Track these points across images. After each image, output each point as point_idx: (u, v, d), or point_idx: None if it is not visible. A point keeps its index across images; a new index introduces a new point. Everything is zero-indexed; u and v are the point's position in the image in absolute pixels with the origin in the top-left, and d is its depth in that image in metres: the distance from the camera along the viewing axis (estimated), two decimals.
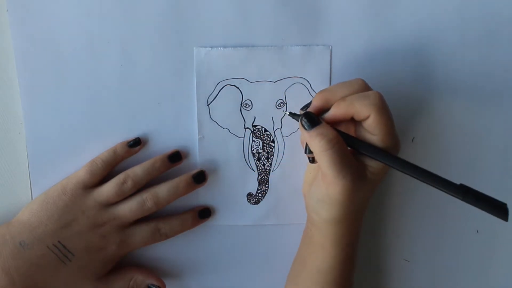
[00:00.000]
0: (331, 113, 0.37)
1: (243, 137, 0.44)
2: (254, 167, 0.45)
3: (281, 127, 0.44)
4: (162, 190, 0.43)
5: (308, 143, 0.37)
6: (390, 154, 0.36)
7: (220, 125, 0.44)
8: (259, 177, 0.45)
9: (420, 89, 0.44)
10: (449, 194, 0.34)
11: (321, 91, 0.38)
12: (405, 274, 0.48)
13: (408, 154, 0.45)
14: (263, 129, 0.44)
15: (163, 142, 0.44)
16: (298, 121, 0.37)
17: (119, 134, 0.44)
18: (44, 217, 0.41)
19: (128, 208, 0.42)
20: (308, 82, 0.43)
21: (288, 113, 0.39)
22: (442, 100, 0.44)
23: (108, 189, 0.42)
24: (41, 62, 0.42)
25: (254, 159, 0.45)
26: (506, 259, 0.48)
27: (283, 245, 0.46)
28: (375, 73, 0.44)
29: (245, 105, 0.44)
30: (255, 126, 0.44)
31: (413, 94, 0.44)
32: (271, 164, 0.45)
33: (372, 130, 0.36)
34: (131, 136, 0.44)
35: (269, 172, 0.45)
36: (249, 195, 0.46)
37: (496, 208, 0.33)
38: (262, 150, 0.45)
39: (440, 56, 0.44)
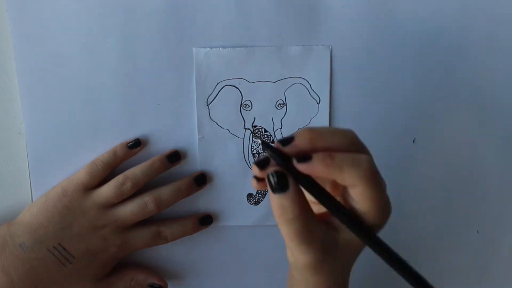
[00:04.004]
0: (312, 170, 0.29)
1: (243, 138, 0.44)
2: None
3: (281, 128, 0.44)
4: (164, 192, 0.43)
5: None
6: (368, 234, 0.30)
7: (220, 126, 0.44)
8: None
9: (420, 90, 0.44)
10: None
11: (308, 130, 0.30)
12: None
13: (409, 155, 0.45)
14: (263, 129, 0.44)
15: (163, 142, 0.44)
16: (269, 154, 0.30)
17: (119, 135, 0.44)
18: (45, 219, 0.41)
19: (129, 210, 0.42)
20: (308, 82, 0.43)
21: (260, 140, 0.34)
22: (443, 101, 0.44)
23: (107, 191, 0.42)
24: (41, 62, 0.42)
25: (254, 160, 0.45)
26: (506, 260, 0.48)
27: (283, 246, 0.46)
28: (375, 73, 0.44)
29: (245, 105, 0.44)
30: (255, 126, 0.44)
31: (413, 94, 0.44)
32: None
33: (358, 200, 0.30)
34: (131, 136, 0.44)
35: None
36: (249, 195, 0.46)
37: None
38: (262, 151, 0.45)
39: (441, 56, 0.44)
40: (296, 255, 0.31)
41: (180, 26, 0.42)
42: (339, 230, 0.31)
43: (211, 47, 0.42)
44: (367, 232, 0.30)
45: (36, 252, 0.40)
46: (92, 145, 0.44)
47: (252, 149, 0.45)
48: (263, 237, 0.47)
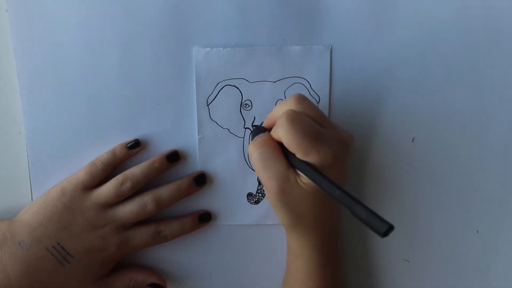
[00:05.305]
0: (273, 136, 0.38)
1: (243, 137, 0.44)
2: None
3: None
4: (164, 192, 0.43)
5: None
6: (311, 170, 0.35)
7: (220, 125, 0.44)
8: None
9: (420, 89, 0.44)
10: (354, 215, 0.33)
11: (269, 113, 0.40)
12: (405, 274, 0.48)
13: (408, 154, 0.45)
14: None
15: (163, 142, 0.44)
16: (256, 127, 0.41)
17: (119, 135, 0.44)
18: (44, 218, 0.41)
19: (129, 210, 0.42)
20: (308, 82, 0.43)
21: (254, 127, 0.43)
22: (443, 101, 0.44)
23: (106, 190, 0.42)
24: (41, 62, 0.42)
25: None
26: (506, 259, 0.48)
27: (283, 245, 0.46)
28: (375, 73, 0.44)
29: (245, 105, 0.44)
30: (255, 126, 0.44)
31: (413, 94, 0.44)
32: None
33: (292, 151, 0.36)
34: (131, 136, 0.44)
35: None
36: (249, 195, 0.46)
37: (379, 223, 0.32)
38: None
39: (441, 56, 0.44)
40: (264, 181, 0.38)
41: (180, 26, 0.42)
42: (300, 175, 0.37)
43: (211, 47, 0.42)
44: (308, 168, 0.36)
45: (34, 251, 0.40)
46: (92, 145, 0.44)
47: None
48: (263, 236, 0.47)
